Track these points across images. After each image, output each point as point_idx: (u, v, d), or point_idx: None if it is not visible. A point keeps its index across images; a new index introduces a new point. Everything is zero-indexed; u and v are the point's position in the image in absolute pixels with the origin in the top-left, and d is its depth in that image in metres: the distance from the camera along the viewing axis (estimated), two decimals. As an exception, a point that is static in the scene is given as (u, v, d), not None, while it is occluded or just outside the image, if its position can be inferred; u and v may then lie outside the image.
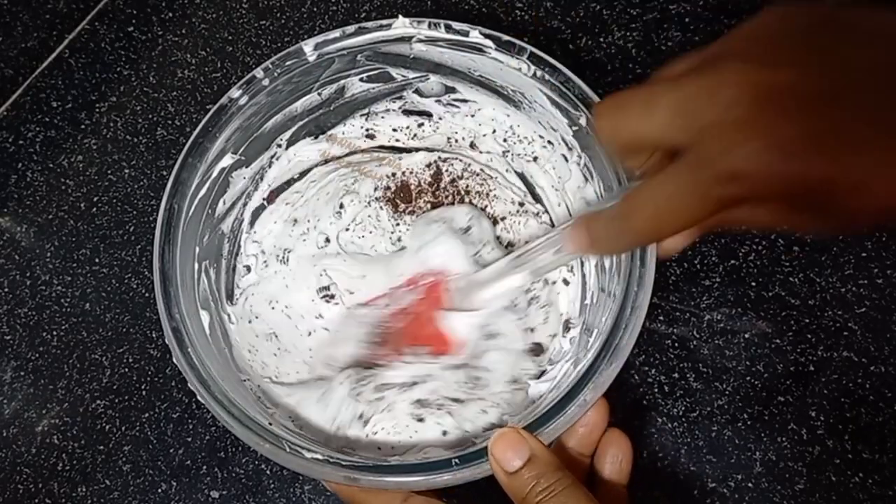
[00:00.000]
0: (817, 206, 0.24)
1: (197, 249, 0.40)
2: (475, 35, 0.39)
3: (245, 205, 0.44)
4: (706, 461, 0.41)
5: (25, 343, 0.47)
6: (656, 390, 0.43)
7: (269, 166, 0.44)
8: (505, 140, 0.44)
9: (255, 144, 0.42)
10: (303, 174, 0.46)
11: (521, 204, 0.45)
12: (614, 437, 0.35)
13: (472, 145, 0.46)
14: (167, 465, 0.44)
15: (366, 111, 0.46)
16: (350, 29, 0.40)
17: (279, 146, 0.44)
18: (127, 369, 0.46)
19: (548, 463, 0.30)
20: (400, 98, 0.45)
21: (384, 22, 0.39)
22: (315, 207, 0.45)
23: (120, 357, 0.46)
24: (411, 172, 0.45)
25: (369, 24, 0.40)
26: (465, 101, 0.44)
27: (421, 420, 0.38)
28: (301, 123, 0.44)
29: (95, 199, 0.51)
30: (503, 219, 0.44)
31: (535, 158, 0.44)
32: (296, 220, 0.45)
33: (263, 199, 0.45)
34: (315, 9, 0.55)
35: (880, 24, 0.24)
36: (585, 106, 0.37)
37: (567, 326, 0.42)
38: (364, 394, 0.38)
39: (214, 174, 0.40)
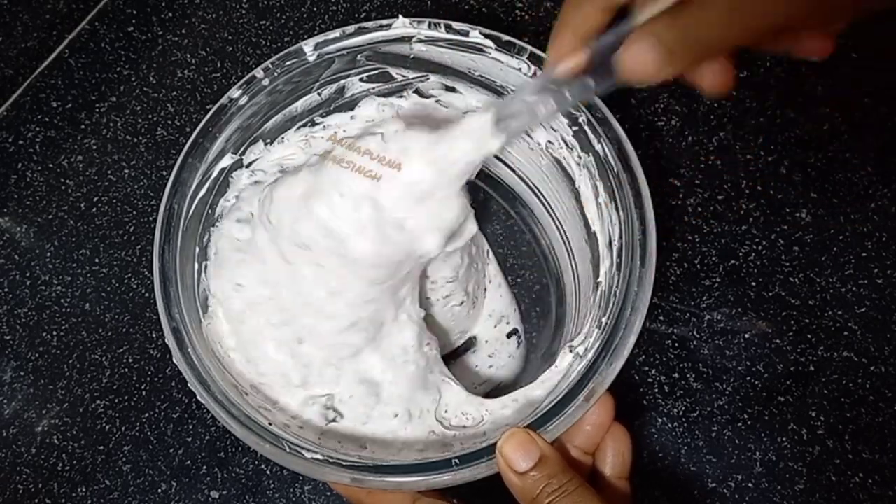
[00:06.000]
0: None
1: (197, 249, 0.39)
2: (475, 35, 0.39)
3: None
4: (706, 461, 0.41)
5: (25, 343, 0.47)
6: (656, 390, 0.43)
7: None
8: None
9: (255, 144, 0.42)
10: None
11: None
12: (613, 429, 0.35)
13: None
14: (167, 465, 0.44)
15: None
16: (350, 29, 0.40)
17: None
18: (127, 369, 0.46)
19: (558, 463, 0.30)
20: (400, 98, 0.45)
21: (384, 22, 0.39)
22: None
23: (120, 357, 0.46)
24: None
25: (369, 24, 0.40)
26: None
27: None
28: (301, 123, 0.44)
29: (95, 199, 0.51)
30: None
31: None
32: None
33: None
34: (315, 9, 0.55)
35: None
36: (586, 105, 0.37)
37: None
38: None
39: (214, 174, 0.40)
